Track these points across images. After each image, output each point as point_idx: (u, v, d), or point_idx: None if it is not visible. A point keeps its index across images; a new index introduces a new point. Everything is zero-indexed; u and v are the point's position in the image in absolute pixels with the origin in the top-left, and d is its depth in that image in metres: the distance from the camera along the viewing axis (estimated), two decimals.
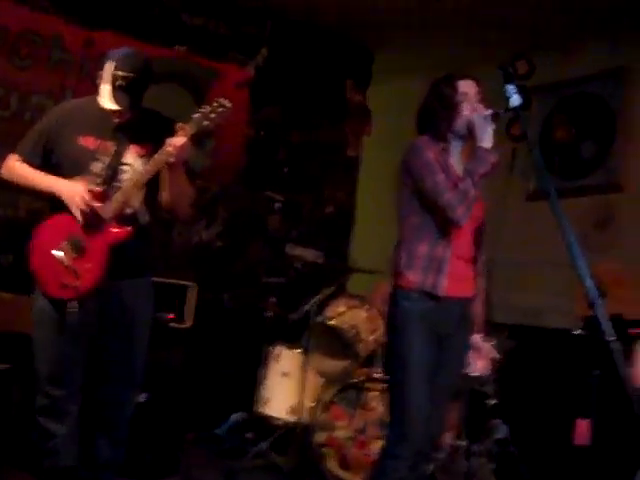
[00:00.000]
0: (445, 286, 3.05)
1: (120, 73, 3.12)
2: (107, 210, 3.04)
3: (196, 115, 2.99)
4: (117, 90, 3.12)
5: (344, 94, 6.65)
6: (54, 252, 3.03)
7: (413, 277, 3.04)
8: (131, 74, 3.13)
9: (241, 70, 6.09)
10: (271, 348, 5.01)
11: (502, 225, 5.26)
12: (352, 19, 6.10)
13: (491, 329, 4.54)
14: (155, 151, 3.04)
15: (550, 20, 5.52)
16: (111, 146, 3.12)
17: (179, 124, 3.02)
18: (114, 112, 3.14)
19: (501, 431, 4.58)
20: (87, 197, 3.02)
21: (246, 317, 5.69)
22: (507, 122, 5.97)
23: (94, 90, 3.24)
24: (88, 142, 3.13)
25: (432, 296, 3.03)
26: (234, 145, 6.09)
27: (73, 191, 3.04)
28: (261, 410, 4.85)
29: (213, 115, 2.98)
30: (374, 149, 6.41)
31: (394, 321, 3.10)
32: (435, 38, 6.04)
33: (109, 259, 3.03)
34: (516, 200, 5.62)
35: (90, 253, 3.03)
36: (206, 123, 2.99)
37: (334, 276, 5.35)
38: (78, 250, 3.03)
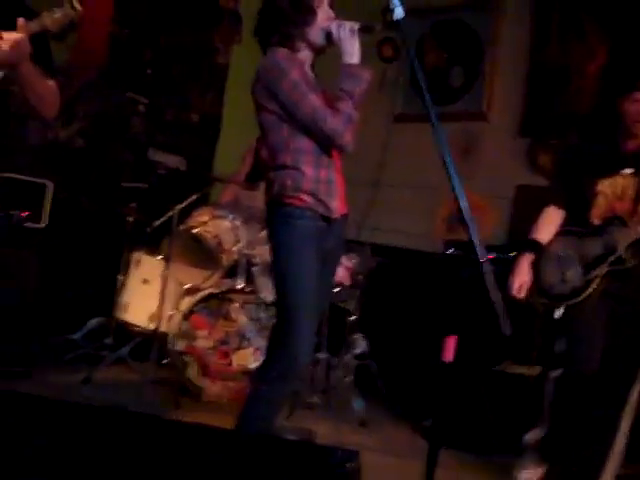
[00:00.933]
0: (337, 208, 2.96)
1: None
2: None
3: (44, 14, 2.77)
4: None
5: None
6: None
7: (305, 198, 2.88)
8: None
9: None
10: (132, 254, 4.90)
11: (368, 145, 5.34)
12: None
13: (354, 247, 4.63)
14: None
15: None
16: None
17: (20, 20, 2.79)
18: None
19: (361, 346, 4.70)
20: None
21: (105, 221, 5.50)
22: (378, 42, 6.00)
23: None
24: None
25: (324, 217, 2.93)
26: (97, 41, 5.78)
27: None
28: (120, 316, 4.74)
29: (60, 17, 2.77)
30: (244, 57, 6.26)
31: (287, 240, 2.90)
32: None
33: None
34: (382, 120, 5.67)
35: None
36: (50, 25, 2.77)
37: (198, 185, 5.24)
38: None
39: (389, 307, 5.35)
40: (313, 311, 2.91)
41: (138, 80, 5.98)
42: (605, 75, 5.21)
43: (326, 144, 2.90)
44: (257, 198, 4.80)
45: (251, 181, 5.11)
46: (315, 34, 2.93)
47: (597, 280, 3.42)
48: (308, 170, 2.89)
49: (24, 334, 4.28)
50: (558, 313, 3.46)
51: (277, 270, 2.96)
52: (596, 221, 3.49)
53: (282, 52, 2.89)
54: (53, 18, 2.75)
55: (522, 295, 3.53)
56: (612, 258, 3.38)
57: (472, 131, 5.59)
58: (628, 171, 3.43)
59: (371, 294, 4.96)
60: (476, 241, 2.36)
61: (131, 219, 4.98)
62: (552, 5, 5.47)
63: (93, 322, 5.01)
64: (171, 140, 6.10)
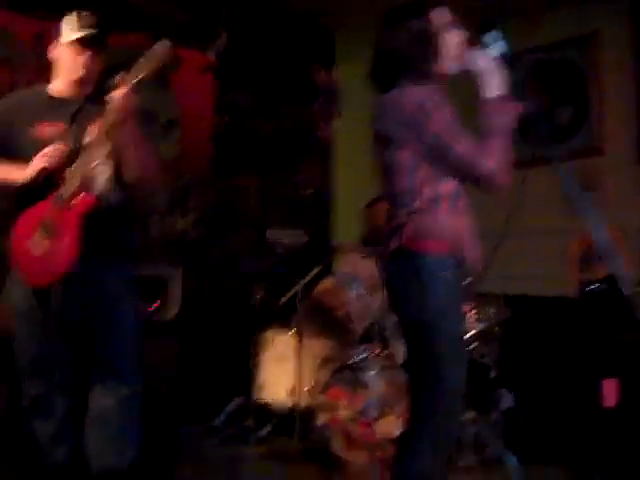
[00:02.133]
0: (477, 259, 2.67)
1: (78, 33, 2.94)
2: (66, 190, 2.85)
3: (138, 62, 2.79)
4: (79, 44, 2.93)
5: (311, 76, 6.54)
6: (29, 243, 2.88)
7: (446, 247, 2.57)
8: (90, 30, 2.94)
9: (202, 56, 5.93)
10: (263, 334, 4.91)
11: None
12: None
13: (487, 299, 4.49)
14: None
15: None
16: (67, 128, 2.94)
17: (118, 76, 2.82)
18: (74, 82, 2.99)
19: (507, 400, 4.51)
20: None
21: (233, 305, 5.57)
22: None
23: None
24: (42, 131, 2.94)
25: (459, 263, 2.61)
26: (201, 133, 5.94)
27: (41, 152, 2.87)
28: (258, 396, 4.74)
29: (153, 59, 2.78)
30: (346, 130, 6.31)
31: (432, 295, 2.53)
32: None
33: (86, 235, 2.84)
34: None
35: (63, 229, 2.83)
36: (147, 70, 2.78)
37: (319, 257, 5.24)
38: (50, 231, 2.84)
39: (530, 357, 5.12)
40: (464, 374, 2.62)
41: (246, 164, 6.10)
42: None
43: (475, 187, 2.57)
44: (373, 266, 4.72)
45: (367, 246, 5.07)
46: (446, 65, 2.68)
47: None
48: (445, 216, 2.58)
49: (166, 427, 4.28)
50: None
51: (423, 331, 2.58)
52: None
53: (426, 87, 2.60)
54: (148, 62, 2.78)
55: None
56: None
57: (589, 167, 5.39)
58: None
59: (509, 345, 4.77)
60: (621, 272, 2.22)
61: (258, 299, 5.02)
62: None
63: (232, 405, 5.00)
64: (287, 218, 6.18)
